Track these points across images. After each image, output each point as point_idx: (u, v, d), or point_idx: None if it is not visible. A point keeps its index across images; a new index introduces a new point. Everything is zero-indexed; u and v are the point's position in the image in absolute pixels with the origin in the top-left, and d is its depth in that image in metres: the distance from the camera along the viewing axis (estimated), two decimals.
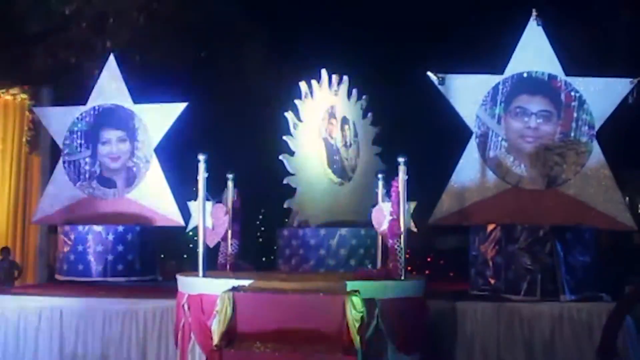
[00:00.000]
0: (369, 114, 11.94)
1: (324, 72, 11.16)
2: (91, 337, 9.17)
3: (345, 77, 11.50)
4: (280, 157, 10.42)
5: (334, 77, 11.35)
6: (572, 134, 10.39)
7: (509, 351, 8.70)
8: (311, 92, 10.95)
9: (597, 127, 10.38)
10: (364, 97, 11.77)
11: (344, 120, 11.47)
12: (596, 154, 10.29)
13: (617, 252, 11.03)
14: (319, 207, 10.89)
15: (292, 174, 10.49)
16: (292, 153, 10.54)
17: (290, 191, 10.94)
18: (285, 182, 10.47)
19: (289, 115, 10.65)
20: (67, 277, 11.35)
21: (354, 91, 11.64)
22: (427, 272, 12.47)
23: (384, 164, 11.57)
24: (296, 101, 10.77)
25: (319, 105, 11.09)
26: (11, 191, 12.79)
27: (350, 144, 11.56)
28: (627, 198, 10.88)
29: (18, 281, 11.20)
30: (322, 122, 11.12)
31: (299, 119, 10.72)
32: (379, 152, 11.97)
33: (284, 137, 10.54)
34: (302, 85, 10.86)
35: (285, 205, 10.68)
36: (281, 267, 10.71)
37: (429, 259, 14.43)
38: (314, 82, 11.00)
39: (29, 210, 12.62)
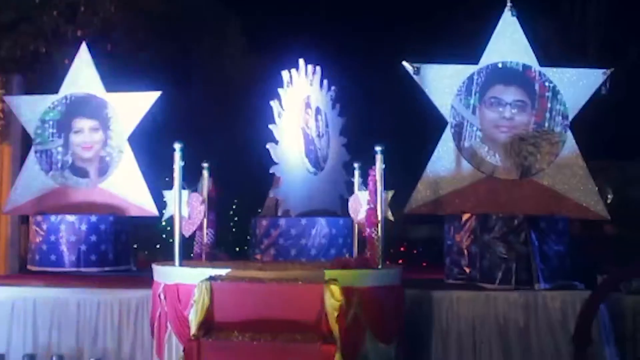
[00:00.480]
0: (337, 105, 11.98)
1: (301, 61, 11.14)
2: (65, 328, 9.06)
3: (318, 68, 11.50)
4: (267, 146, 10.43)
5: (309, 67, 11.34)
6: (546, 124, 10.46)
7: (484, 339, 8.74)
8: (291, 81, 10.93)
9: (570, 117, 10.46)
10: (332, 87, 11.80)
11: (317, 111, 11.50)
12: (570, 144, 10.37)
13: (590, 241, 11.13)
14: (298, 197, 10.90)
15: (277, 163, 10.49)
16: (276, 142, 10.52)
17: (264, 180, 10.93)
18: (271, 171, 10.50)
19: (274, 103, 10.64)
20: (39, 267, 11.22)
21: (325, 82, 11.66)
22: (400, 261, 12.57)
23: (349, 154, 11.67)
24: (280, 90, 10.75)
25: (298, 95, 11.08)
26: None
27: (322, 134, 11.59)
28: (598, 188, 10.94)
29: None
30: (299, 112, 11.11)
31: (282, 108, 10.71)
32: (345, 142, 12.08)
33: (270, 126, 10.53)
34: (284, 74, 10.83)
35: (270, 195, 10.69)
36: (258, 256, 10.67)
37: (402, 249, 14.47)
38: (293, 71, 10.97)
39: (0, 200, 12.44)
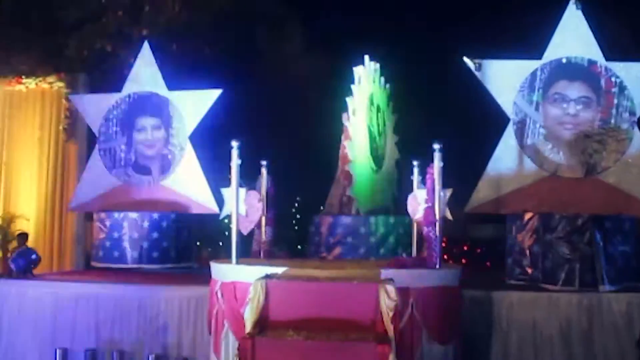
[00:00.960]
0: (391, 102, 11.91)
1: (367, 58, 11.09)
2: (127, 324, 9.20)
3: (378, 65, 11.44)
4: (344, 143, 10.60)
5: (372, 64, 11.29)
6: (612, 121, 10.20)
7: (546, 342, 8.52)
8: (359, 79, 10.92)
9: (638, 113, 10.17)
10: (387, 85, 11.71)
11: (378, 108, 11.43)
12: (637, 142, 10.11)
13: None
14: (365, 195, 10.94)
15: (351, 161, 10.60)
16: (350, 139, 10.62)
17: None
18: (346, 169, 10.65)
19: (350, 100, 10.72)
20: (103, 263, 11.43)
21: (382, 79, 11.59)
22: (463, 260, 12.39)
23: (399, 152, 11.56)
24: (352, 87, 10.81)
25: (364, 92, 11.07)
26: (48, 179, 12.91)
27: (382, 132, 11.53)
28: None
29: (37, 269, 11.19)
30: (366, 110, 11.09)
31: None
32: (397, 140, 12.04)
33: (345, 123, 10.62)
34: (356, 70, 10.88)
35: (347, 192, 10.70)
36: (324, 255, 10.65)
37: (465, 248, 14.26)
38: (360, 68, 10.94)
39: (65, 197, 12.72)
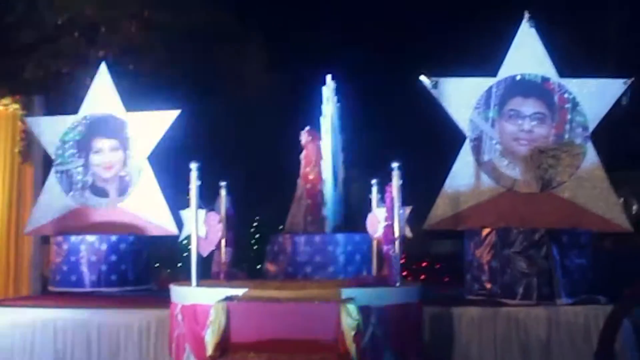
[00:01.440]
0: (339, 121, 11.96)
1: (329, 78, 11.18)
2: (86, 349, 9.05)
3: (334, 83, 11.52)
4: (309, 161, 10.80)
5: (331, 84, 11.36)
6: (566, 136, 10.36)
7: (506, 356, 8.62)
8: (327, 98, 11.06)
9: (591, 128, 10.35)
10: (339, 103, 11.79)
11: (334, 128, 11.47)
12: (591, 156, 10.26)
13: (614, 254, 10.97)
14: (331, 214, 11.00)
15: (323, 180, 10.84)
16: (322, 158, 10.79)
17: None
18: (312, 188, 10.83)
19: (323, 120, 10.86)
20: (60, 288, 11.22)
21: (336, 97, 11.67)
22: (422, 276, 12.48)
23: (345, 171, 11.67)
24: (323, 106, 10.94)
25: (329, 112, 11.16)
26: (3, 202, 12.69)
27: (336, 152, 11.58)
28: (622, 199, 10.81)
29: None
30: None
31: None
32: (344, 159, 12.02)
33: (305, 141, 10.79)
34: (325, 89, 10.98)
35: (316, 212, 10.75)
36: (270, 267, 10.63)
37: (424, 264, 14.38)
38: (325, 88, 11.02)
39: (21, 221, 12.52)
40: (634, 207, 13.19)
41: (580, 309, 8.73)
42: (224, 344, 7.15)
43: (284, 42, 15.63)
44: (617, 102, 10.34)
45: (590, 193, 10.09)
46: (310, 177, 10.97)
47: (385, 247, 8.20)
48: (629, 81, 10.34)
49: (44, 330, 9.15)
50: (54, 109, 12.81)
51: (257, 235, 14.19)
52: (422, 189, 10.55)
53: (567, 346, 8.56)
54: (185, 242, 9.76)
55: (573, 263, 9.23)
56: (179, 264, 14.28)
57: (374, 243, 9.47)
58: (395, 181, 8.15)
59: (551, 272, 9.03)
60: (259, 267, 13.90)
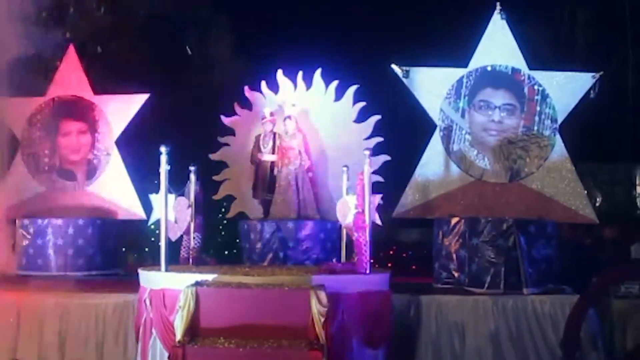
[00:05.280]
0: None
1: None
2: (49, 332, 8.98)
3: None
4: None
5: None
6: (535, 128, 10.48)
7: (473, 344, 8.69)
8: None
9: (559, 120, 10.48)
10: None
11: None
12: (559, 148, 10.40)
13: (579, 245, 11.12)
14: None
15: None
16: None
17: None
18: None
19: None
20: (26, 271, 11.11)
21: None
22: (389, 264, 12.51)
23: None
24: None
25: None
26: None
27: None
28: (586, 191, 10.94)
29: None
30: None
31: None
32: None
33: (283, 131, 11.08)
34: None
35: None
36: (246, 260, 10.66)
37: (391, 252, 14.43)
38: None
39: None
40: (598, 199, 13.36)
41: (546, 299, 8.84)
42: (194, 329, 7.11)
43: (252, 27, 15.55)
44: (586, 95, 10.45)
45: (558, 184, 10.25)
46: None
47: (355, 235, 8.19)
48: (598, 75, 10.47)
49: (10, 314, 9.03)
50: (20, 90, 12.62)
51: (224, 222, 14.11)
52: (391, 177, 10.62)
53: (534, 335, 8.67)
54: (152, 226, 9.72)
55: (540, 253, 9.34)
56: (146, 249, 14.20)
57: (343, 230, 9.47)
58: (367, 168, 8.14)
59: (518, 261, 9.12)
60: (226, 252, 13.92)
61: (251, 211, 11.53)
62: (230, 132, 11.70)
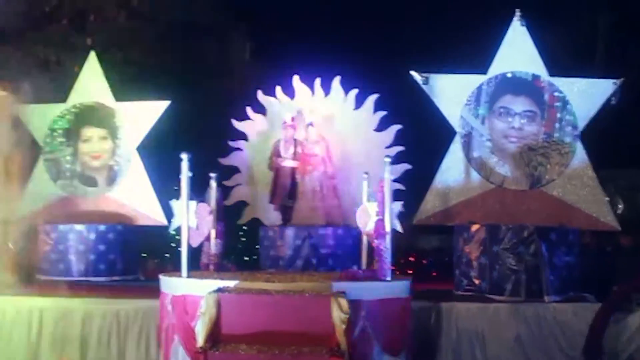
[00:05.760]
0: None
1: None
2: (70, 338, 9.02)
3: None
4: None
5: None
6: (556, 134, 10.44)
7: (494, 352, 8.66)
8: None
9: (580, 127, 10.43)
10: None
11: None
12: (580, 155, 10.35)
13: (601, 252, 11.06)
14: None
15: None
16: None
17: None
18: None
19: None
20: (48, 276, 11.21)
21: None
22: (410, 271, 12.48)
23: None
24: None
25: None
26: None
27: None
28: (608, 198, 10.87)
29: None
30: None
31: None
32: None
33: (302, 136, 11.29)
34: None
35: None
36: (270, 267, 10.71)
37: (412, 259, 14.39)
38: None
39: (9, 209, 12.42)
40: (620, 206, 13.26)
41: (568, 306, 8.80)
42: (215, 336, 7.12)
43: (272, 33, 15.59)
44: (607, 102, 10.40)
45: (579, 191, 10.18)
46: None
47: (376, 242, 8.19)
48: (619, 82, 10.41)
49: (29, 317, 9.09)
50: (42, 96, 12.72)
51: (244, 228, 14.13)
52: (411, 185, 10.63)
53: (555, 343, 8.62)
54: (173, 232, 9.75)
55: (561, 260, 9.30)
56: (166, 254, 14.24)
57: (364, 237, 9.47)
58: (387, 175, 8.13)
59: (539, 269, 9.08)
60: (246, 259, 13.94)
61: (265, 217, 11.60)
62: (242, 136, 11.78)
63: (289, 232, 10.93)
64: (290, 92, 11.81)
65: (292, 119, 11.34)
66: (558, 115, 10.45)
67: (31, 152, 12.44)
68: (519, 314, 8.76)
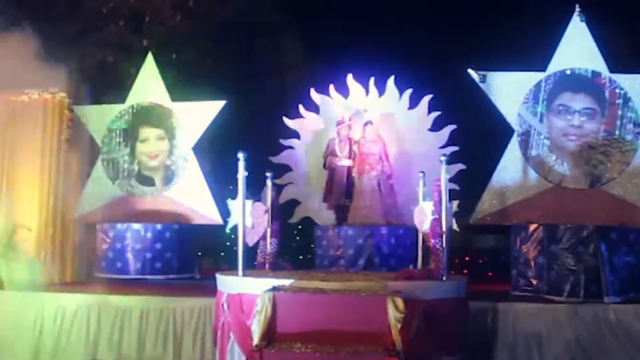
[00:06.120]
0: None
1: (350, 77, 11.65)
2: (127, 335, 9.15)
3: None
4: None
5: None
6: (617, 132, 10.22)
7: (552, 354, 8.49)
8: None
9: None
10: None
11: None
12: None
13: None
14: None
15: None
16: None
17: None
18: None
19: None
20: (105, 274, 11.42)
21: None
22: (465, 271, 12.37)
23: None
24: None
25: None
26: (51, 189, 12.80)
27: None
28: None
29: None
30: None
31: None
32: None
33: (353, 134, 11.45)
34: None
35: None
36: (323, 266, 10.72)
37: (467, 258, 14.27)
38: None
39: (68, 208, 12.63)
40: None
41: (628, 308, 8.58)
42: (270, 334, 7.14)
43: (327, 33, 15.58)
44: None
45: None
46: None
47: (432, 241, 8.12)
48: None
49: (86, 315, 9.24)
50: (100, 97, 12.93)
51: (299, 227, 14.18)
52: (467, 184, 10.52)
53: (614, 344, 8.40)
54: (228, 231, 9.82)
55: (622, 260, 9.06)
56: (222, 253, 14.36)
57: (420, 236, 9.40)
58: (444, 175, 8.06)
59: (599, 269, 8.88)
60: (300, 257, 13.97)
61: (318, 216, 11.61)
62: (295, 134, 11.80)
63: (351, 231, 10.92)
64: (344, 91, 11.80)
65: (350, 118, 11.34)
66: (619, 112, 10.24)
67: (91, 152, 12.67)
68: (577, 315, 8.57)
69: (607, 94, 10.27)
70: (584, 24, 10.41)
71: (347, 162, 11.23)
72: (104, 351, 9.16)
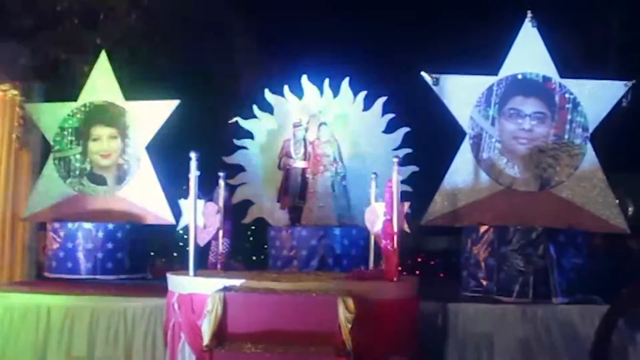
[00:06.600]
0: None
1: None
2: (78, 336, 9.06)
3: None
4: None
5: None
6: (566, 136, 10.35)
7: (501, 353, 8.63)
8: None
9: (591, 129, 10.33)
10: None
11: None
12: (590, 157, 10.24)
13: (610, 255, 11.01)
14: None
15: None
16: None
17: None
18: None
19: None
20: (55, 274, 11.24)
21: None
22: (417, 272, 12.47)
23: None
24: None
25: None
26: (0, 188, 12.64)
27: None
28: (618, 201, 10.80)
29: None
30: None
31: None
32: None
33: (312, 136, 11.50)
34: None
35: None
36: (276, 267, 10.73)
37: (419, 260, 14.38)
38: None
39: (17, 206, 12.48)
40: (630, 209, 13.20)
41: (575, 308, 8.75)
42: (221, 334, 7.14)
43: (278, 34, 15.60)
44: (618, 104, 10.33)
45: (588, 193, 10.08)
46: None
47: (384, 242, 8.18)
48: (630, 83, 10.32)
49: (37, 315, 9.13)
50: (52, 95, 12.77)
51: (252, 227, 14.15)
52: (419, 186, 10.61)
53: (562, 344, 8.58)
54: (181, 231, 9.77)
55: (569, 262, 9.25)
56: (174, 254, 14.27)
57: (372, 237, 9.46)
58: (395, 176, 8.13)
59: (547, 270, 9.05)
60: (254, 258, 13.95)
61: (271, 217, 11.64)
62: (248, 135, 11.81)
63: (304, 232, 10.95)
64: (298, 92, 11.83)
65: (307, 121, 11.38)
66: (568, 117, 10.38)
67: (42, 150, 12.51)
68: (526, 315, 8.72)
69: (557, 98, 10.40)
70: (535, 30, 10.53)
71: (302, 164, 11.27)
72: (54, 352, 9.06)
